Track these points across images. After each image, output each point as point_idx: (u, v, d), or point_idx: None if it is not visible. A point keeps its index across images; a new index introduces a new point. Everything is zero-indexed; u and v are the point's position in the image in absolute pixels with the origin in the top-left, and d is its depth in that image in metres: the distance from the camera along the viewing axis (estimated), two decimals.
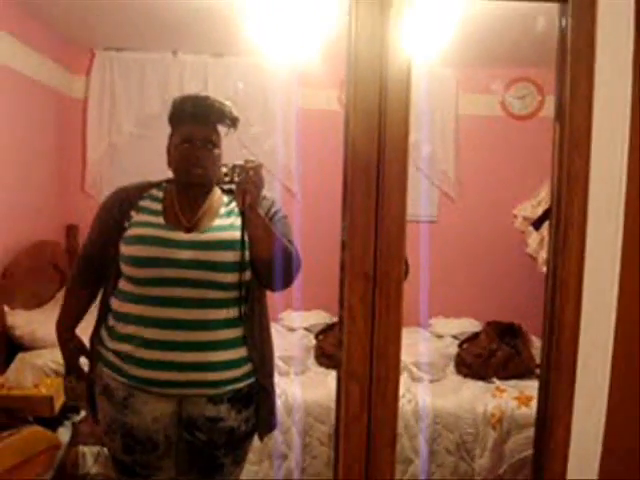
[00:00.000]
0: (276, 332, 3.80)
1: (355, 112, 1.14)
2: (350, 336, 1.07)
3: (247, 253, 1.99)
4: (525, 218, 4.06)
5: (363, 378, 1.09)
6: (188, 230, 2.02)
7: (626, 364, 1.34)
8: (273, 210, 2.11)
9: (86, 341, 2.17)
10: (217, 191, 2.11)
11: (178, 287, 1.97)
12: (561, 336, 1.28)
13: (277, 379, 2.25)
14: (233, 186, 1.96)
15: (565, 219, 1.25)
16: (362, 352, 1.08)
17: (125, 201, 2.07)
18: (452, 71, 4.48)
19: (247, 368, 2.08)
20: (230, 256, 1.99)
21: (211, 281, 1.98)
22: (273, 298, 2.19)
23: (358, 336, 1.07)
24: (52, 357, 3.17)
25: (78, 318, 2.20)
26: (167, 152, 2.11)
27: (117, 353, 2.04)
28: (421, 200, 4.54)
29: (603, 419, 1.36)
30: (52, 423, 2.74)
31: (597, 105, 1.22)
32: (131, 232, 2.02)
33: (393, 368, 1.09)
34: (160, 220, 2.03)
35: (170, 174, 2.12)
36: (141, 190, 2.11)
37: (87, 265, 2.17)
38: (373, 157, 1.11)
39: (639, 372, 1.39)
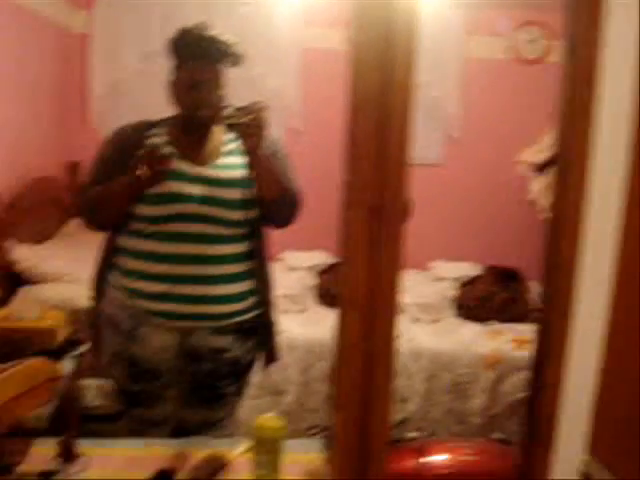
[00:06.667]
0: (277, 271, 3.83)
1: (360, 49, 1.12)
2: (351, 263, 1.08)
3: (252, 191, 2.04)
4: (529, 163, 4.03)
5: (363, 307, 1.10)
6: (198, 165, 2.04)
7: (625, 301, 1.36)
8: (274, 148, 2.12)
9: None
10: (220, 128, 2.10)
11: (188, 222, 2.00)
12: (560, 269, 1.29)
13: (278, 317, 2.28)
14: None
15: (569, 154, 1.25)
16: (363, 280, 1.09)
17: (130, 140, 2.07)
18: (460, 12, 4.40)
19: (252, 301, 2.14)
20: (238, 194, 2.04)
21: (219, 217, 2.02)
22: (274, 237, 2.22)
23: (359, 263, 1.07)
24: (55, 291, 3.19)
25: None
26: (169, 86, 2.08)
27: (124, 287, 2.07)
28: (426, 143, 4.49)
29: (598, 357, 1.38)
30: (55, 356, 2.76)
31: (608, 38, 1.21)
32: None
33: (393, 298, 1.11)
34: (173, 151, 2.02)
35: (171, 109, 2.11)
36: (144, 128, 2.10)
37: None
38: (378, 87, 1.10)
39: (637, 311, 1.41)
